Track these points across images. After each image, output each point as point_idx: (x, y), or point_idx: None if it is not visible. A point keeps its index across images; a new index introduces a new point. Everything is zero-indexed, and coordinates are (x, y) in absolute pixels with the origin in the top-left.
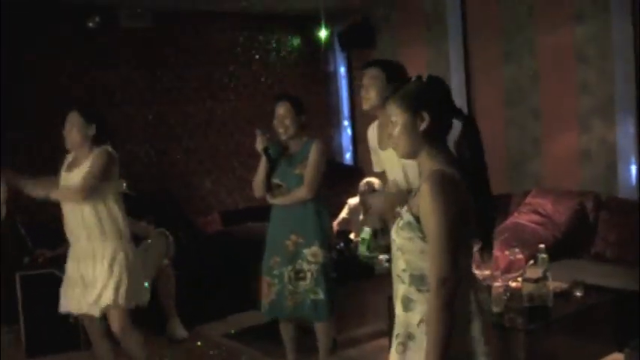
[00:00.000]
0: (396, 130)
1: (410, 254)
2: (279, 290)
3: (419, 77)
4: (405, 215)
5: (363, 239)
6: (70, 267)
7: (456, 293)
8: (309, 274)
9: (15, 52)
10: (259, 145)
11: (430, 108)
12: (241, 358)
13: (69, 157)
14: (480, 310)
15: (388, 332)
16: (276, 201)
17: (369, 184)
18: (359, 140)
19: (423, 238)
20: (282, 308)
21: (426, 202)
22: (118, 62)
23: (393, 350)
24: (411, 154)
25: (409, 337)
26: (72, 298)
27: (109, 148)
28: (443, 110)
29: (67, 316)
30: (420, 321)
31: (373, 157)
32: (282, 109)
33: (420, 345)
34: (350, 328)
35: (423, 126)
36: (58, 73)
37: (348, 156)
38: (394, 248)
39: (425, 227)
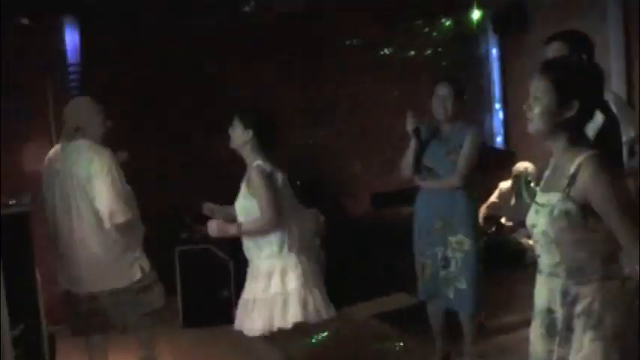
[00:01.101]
0: (538, 109)
1: (566, 246)
2: (433, 272)
3: (580, 59)
4: (561, 204)
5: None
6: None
7: None
8: (453, 262)
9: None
10: (409, 126)
11: (582, 97)
12: (387, 339)
13: None
14: None
15: None
16: (425, 184)
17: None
18: (511, 124)
19: (584, 225)
20: (435, 290)
21: (600, 189)
22: (270, 48)
23: (545, 347)
24: (546, 136)
25: (568, 329)
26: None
27: (260, 163)
28: (593, 102)
29: (222, 290)
30: (581, 313)
31: None
32: (443, 91)
33: (578, 337)
34: (500, 315)
35: (569, 114)
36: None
37: (499, 140)
38: (543, 241)
39: (607, 214)
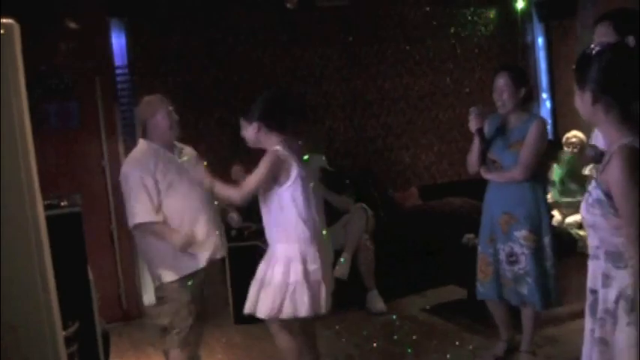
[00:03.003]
0: (575, 97)
1: (603, 231)
2: (495, 269)
3: (590, 49)
4: (594, 192)
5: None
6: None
7: None
8: (522, 258)
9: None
10: (473, 126)
11: (593, 88)
12: (437, 332)
13: None
14: None
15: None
16: (488, 176)
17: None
18: (558, 113)
19: (616, 214)
20: (496, 288)
21: (617, 182)
22: (316, 40)
23: (589, 325)
24: (591, 121)
25: (607, 312)
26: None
27: (277, 148)
28: (611, 89)
29: None
30: (618, 297)
31: None
32: (500, 81)
33: (619, 322)
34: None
35: (589, 103)
36: (258, 53)
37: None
38: (585, 225)
39: (618, 206)
